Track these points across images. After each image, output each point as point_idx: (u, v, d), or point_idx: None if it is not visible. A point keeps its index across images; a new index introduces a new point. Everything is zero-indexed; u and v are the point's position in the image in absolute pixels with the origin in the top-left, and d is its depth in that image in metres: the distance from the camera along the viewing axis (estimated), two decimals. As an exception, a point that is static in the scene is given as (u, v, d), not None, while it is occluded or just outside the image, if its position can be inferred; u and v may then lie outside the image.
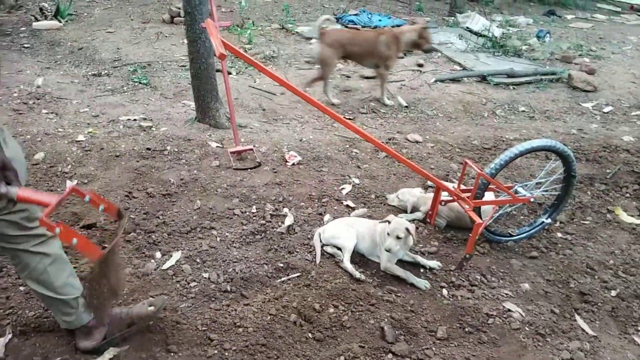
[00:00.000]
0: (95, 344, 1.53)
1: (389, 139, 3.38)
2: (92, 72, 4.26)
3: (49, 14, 5.58)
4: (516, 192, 2.22)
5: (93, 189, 2.47)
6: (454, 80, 4.62)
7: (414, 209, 2.48)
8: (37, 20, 5.44)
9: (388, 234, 1.96)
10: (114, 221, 1.04)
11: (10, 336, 1.58)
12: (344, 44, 3.90)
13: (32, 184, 2.48)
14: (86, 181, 2.56)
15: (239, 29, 5.35)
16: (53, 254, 1.41)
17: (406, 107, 4.06)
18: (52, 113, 3.38)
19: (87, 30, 5.37)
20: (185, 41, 5.22)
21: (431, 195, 2.31)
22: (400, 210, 2.52)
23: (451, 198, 2.23)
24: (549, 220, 2.37)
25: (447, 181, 2.69)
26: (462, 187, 2.25)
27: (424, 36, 3.96)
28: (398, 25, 5.84)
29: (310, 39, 5.37)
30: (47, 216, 1.05)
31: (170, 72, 4.42)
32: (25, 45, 4.80)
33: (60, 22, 5.49)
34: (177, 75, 4.34)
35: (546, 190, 2.35)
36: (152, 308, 1.62)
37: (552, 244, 2.36)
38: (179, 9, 5.85)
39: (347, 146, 3.23)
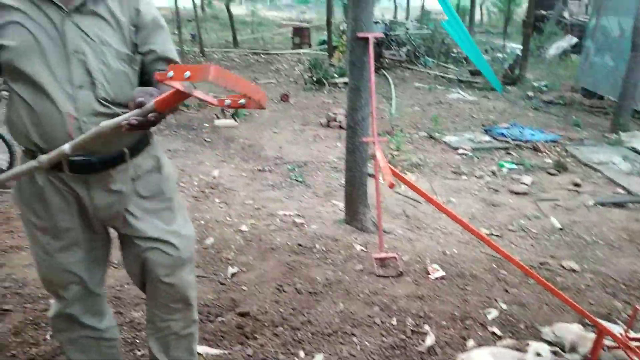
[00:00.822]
0: None
1: (541, 264, 3.18)
2: (258, 168, 4.85)
3: (228, 113, 6.58)
4: None
5: (250, 278, 2.73)
6: (617, 204, 4.24)
7: (572, 349, 2.25)
8: (218, 118, 6.45)
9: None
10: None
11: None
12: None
13: (200, 266, 2.82)
14: (245, 269, 2.84)
15: (388, 136, 5.68)
16: None
17: (560, 229, 3.82)
18: (222, 202, 3.89)
19: (257, 129, 6.18)
20: (338, 144, 5.70)
21: (592, 335, 2.08)
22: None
23: (617, 345, 1.98)
24: None
25: (608, 321, 2.41)
26: (632, 334, 2.00)
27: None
28: (554, 141, 5.67)
29: (457, 149, 5.47)
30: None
31: (323, 172, 4.82)
32: (207, 140, 5.68)
33: (236, 121, 6.44)
34: (328, 176, 4.71)
35: None
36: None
37: None
38: (335, 114, 6.48)
39: (494, 266, 3.11)
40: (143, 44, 1.37)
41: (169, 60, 1.41)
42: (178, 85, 0.98)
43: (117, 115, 1.31)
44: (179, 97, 1.05)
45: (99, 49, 1.29)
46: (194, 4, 13.62)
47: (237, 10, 20.60)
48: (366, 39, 3.04)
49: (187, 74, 0.95)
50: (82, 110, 1.28)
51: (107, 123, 1.08)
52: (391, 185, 1.82)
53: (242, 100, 1.02)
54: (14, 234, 3.11)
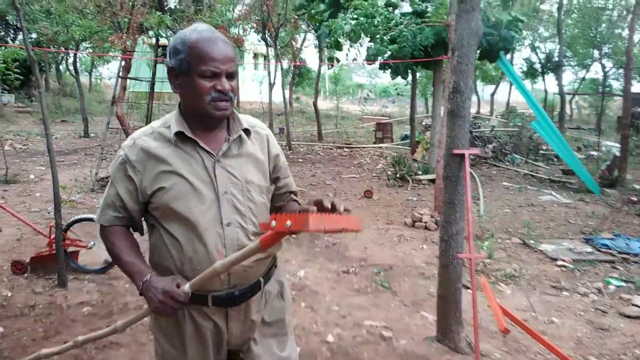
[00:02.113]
0: None
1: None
2: (342, 269, 4.81)
3: (314, 209, 6.73)
4: None
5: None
6: None
7: None
8: (304, 213, 6.61)
9: None
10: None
11: None
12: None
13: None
14: (332, 389, 2.72)
15: (478, 242, 5.46)
16: None
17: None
18: (308, 307, 3.86)
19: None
20: (424, 247, 5.56)
21: None
22: None
23: None
24: None
25: None
26: None
27: None
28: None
29: (555, 259, 5.09)
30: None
31: (409, 278, 4.67)
32: (292, 236, 5.80)
33: (321, 217, 6.55)
34: (416, 283, 4.55)
35: None
36: None
37: None
38: (421, 214, 6.39)
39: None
40: (278, 179, 1.60)
41: (293, 193, 1.67)
42: (305, 229, 1.08)
43: None
44: (282, 235, 1.17)
45: (245, 188, 1.45)
46: (284, 99, 14.69)
47: (322, 104, 21.89)
48: (462, 155, 3.04)
49: (288, 223, 1.05)
50: (229, 246, 1.40)
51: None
52: (506, 331, 1.70)
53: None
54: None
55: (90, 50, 16.42)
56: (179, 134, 1.41)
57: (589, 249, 5.38)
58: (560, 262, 5.02)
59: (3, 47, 13.92)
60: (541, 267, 4.97)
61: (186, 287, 1.31)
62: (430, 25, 7.03)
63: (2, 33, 20.68)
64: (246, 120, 1.53)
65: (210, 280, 1.33)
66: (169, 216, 1.41)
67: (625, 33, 16.73)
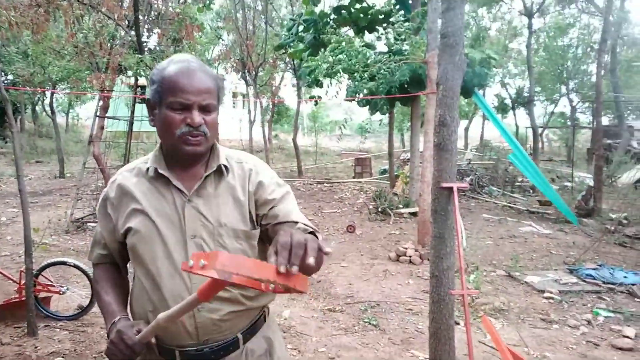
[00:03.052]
0: None
1: None
2: (328, 307, 4.68)
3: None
4: None
5: None
6: None
7: None
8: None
9: None
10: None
11: None
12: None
13: None
14: None
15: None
16: None
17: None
18: (295, 349, 3.70)
19: (324, 263, 6.11)
20: (410, 281, 5.48)
21: None
22: None
23: None
24: None
25: None
26: None
27: None
28: (651, 286, 5.15)
29: (542, 291, 5.07)
30: None
31: (397, 314, 4.56)
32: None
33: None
34: (404, 320, 4.44)
35: None
36: None
37: None
38: (405, 248, 6.34)
39: None
40: (268, 210, 1.33)
41: (292, 223, 1.30)
42: (213, 274, 0.84)
43: (237, 297, 1.30)
44: (219, 285, 0.96)
45: (216, 231, 1.28)
46: (264, 136, 14.72)
47: (301, 141, 22.03)
48: (450, 189, 3.03)
49: (202, 262, 0.85)
50: None
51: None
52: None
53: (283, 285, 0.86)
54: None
55: (68, 90, 16.27)
56: (154, 170, 1.32)
57: (574, 280, 5.38)
58: (547, 294, 4.99)
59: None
60: (529, 300, 4.93)
61: (138, 335, 1.19)
62: (408, 63, 7.21)
63: (-25, 74, 20.38)
64: (229, 155, 1.39)
65: (159, 332, 1.18)
66: (137, 259, 1.31)
67: (591, 69, 17.52)
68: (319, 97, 14.83)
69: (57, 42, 10.47)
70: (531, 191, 12.25)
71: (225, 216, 1.30)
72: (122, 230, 1.31)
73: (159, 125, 1.29)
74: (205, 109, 1.25)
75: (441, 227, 3.09)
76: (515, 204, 10.62)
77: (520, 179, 12.82)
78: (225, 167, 1.35)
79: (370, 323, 4.32)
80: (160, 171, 1.31)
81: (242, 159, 1.42)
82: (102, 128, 8.56)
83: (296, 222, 1.29)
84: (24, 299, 3.82)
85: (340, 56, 7.16)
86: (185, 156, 1.29)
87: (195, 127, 1.24)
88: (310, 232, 1.25)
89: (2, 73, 21.17)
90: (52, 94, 15.88)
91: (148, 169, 1.33)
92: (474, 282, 5.17)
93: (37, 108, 24.12)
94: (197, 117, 1.23)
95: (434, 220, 3.14)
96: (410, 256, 6.15)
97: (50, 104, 16.37)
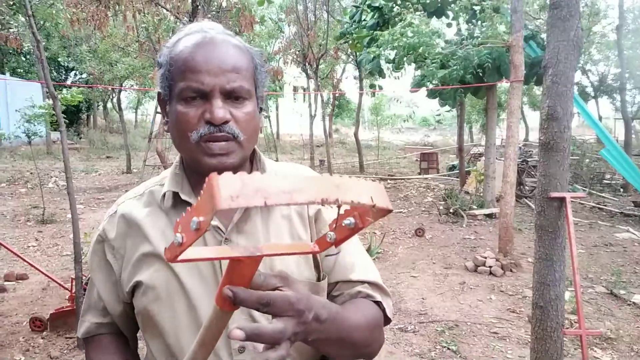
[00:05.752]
0: None
1: None
2: (399, 326, 4.14)
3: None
4: None
5: None
6: None
7: None
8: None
9: None
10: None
11: None
12: None
13: None
14: None
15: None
16: None
17: None
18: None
19: (392, 272, 5.57)
20: (493, 297, 4.82)
21: None
22: None
23: None
24: None
25: None
26: None
27: None
28: None
29: (657, 315, 4.24)
30: None
31: (480, 338, 3.94)
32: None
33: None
34: (489, 345, 3.81)
35: None
36: None
37: None
38: (484, 257, 5.64)
39: None
40: (321, 259, 0.92)
41: (354, 285, 0.92)
42: (229, 251, 0.58)
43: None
44: (246, 268, 0.59)
45: None
46: (325, 130, 14.31)
47: (362, 135, 21.47)
48: (561, 199, 2.39)
49: (194, 220, 0.51)
50: None
51: None
52: None
53: (350, 220, 0.58)
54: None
55: (135, 86, 16.74)
56: (172, 196, 0.89)
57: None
58: (664, 320, 4.16)
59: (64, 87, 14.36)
60: (641, 326, 4.13)
61: None
62: (487, 47, 6.44)
63: (55, 74, 21.58)
64: (277, 170, 0.96)
65: None
66: (150, 328, 0.88)
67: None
68: (380, 87, 14.19)
69: (123, 39, 10.62)
70: (622, 190, 10.95)
71: (281, 261, 0.87)
72: (128, 288, 0.88)
73: (171, 129, 0.86)
74: (233, 97, 0.83)
75: (549, 247, 2.47)
76: (605, 205, 9.47)
77: (608, 176, 11.52)
78: None
79: (449, 348, 3.74)
80: (183, 197, 0.87)
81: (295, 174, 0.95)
82: (165, 124, 8.51)
83: (358, 283, 0.91)
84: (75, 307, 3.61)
85: (409, 40, 6.50)
86: (209, 173, 0.84)
87: (218, 124, 0.80)
88: (375, 301, 0.90)
89: (76, 72, 22.32)
90: (119, 91, 16.38)
91: (164, 194, 0.89)
92: (570, 302, 4.42)
93: (108, 105, 25.24)
94: (218, 109, 0.80)
95: (539, 237, 2.52)
96: (490, 266, 5.45)
97: (118, 101, 16.91)
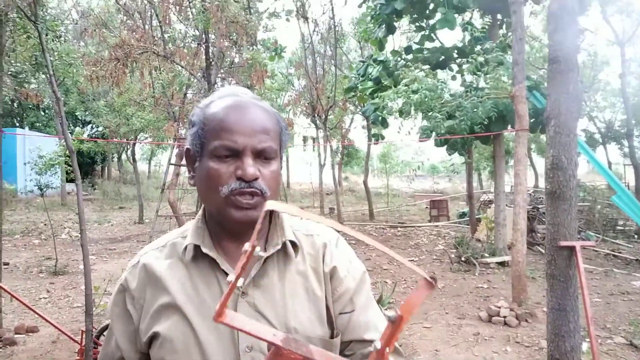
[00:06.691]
0: None
1: None
2: (413, 380, 4.03)
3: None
4: None
5: None
6: None
7: None
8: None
9: None
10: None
11: None
12: None
13: None
14: None
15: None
16: None
17: None
18: None
19: (406, 326, 5.45)
20: (508, 349, 4.70)
21: None
22: None
23: None
24: None
25: None
26: None
27: None
28: None
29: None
30: None
31: (497, 393, 3.82)
32: None
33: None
34: (506, 401, 3.69)
35: None
36: None
37: None
38: (498, 307, 5.53)
39: None
40: (335, 317, 0.95)
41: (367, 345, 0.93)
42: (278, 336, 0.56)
43: None
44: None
45: None
46: (334, 179, 14.44)
47: (371, 182, 21.60)
48: (571, 248, 2.40)
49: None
50: None
51: None
52: None
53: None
54: None
55: (149, 139, 17.17)
56: (193, 249, 0.93)
57: None
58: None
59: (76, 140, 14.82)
60: (666, 380, 3.97)
61: None
62: (492, 98, 6.60)
63: (72, 127, 22.27)
64: (294, 226, 1.00)
65: None
66: None
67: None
68: (382, 137, 14.43)
69: (139, 94, 11.03)
70: (636, 236, 10.79)
71: (294, 317, 0.91)
72: (146, 338, 0.92)
73: (200, 183, 0.92)
74: (262, 156, 0.90)
75: (561, 297, 2.45)
76: (620, 252, 9.30)
77: (622, 223, 11.37)
78: (293, 243, 0.95)
79: (464, 403, 3.62)
80: (204, 250, 0.92)
81: (312, 231, 1.02)
82: (177, 175, 8.66)
83: (371, 343, 0.87)
84: (84, 361, 3.58)
85: (415, 95, 6.71)
86: (235, 225, 0.91)
87: (248, 180, 0.87)
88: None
89: (93, 125, 23.03)
90: (134, 143, 16.81)
91: (186, 247, 0.94)
92: (587, 354, 4.29)
93: (122, 156, 25.81)
94: (250, 167, 0.88)
95: (551, 287, 2.51)
96: (504, 317, 5.34)
97: (132, 152, 17.32)
